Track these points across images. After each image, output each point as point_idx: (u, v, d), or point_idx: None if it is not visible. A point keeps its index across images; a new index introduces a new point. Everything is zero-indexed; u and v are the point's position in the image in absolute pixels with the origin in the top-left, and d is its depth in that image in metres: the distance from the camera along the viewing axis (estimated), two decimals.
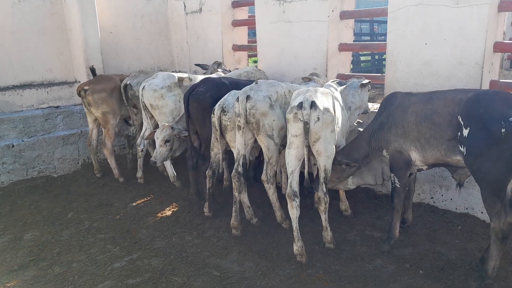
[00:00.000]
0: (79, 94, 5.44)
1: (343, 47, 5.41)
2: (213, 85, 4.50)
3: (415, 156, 3.47)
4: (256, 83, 3.97)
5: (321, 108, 3.27)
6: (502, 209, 2.97)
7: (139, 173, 5.52)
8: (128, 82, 5.30)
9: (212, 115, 4.01)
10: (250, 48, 6.86)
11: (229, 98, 4.01)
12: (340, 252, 3.76)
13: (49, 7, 6.22)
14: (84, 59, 6.22)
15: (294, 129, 3.34)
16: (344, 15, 5.28)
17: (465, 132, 3.02)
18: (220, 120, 3.97)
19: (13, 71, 6.01)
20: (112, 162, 5.70)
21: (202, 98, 4.38)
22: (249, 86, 3.95)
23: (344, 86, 4.43)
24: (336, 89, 4.19)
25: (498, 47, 4.08)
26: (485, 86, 4.10)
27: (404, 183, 3.56)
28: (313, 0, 5.27)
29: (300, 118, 3.27)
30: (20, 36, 6.00)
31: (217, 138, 4.06)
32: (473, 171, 3.07)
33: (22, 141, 5.67)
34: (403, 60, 4.55)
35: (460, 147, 3.09)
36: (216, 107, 3.99)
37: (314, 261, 3.63)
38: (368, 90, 4.46)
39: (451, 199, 4.44)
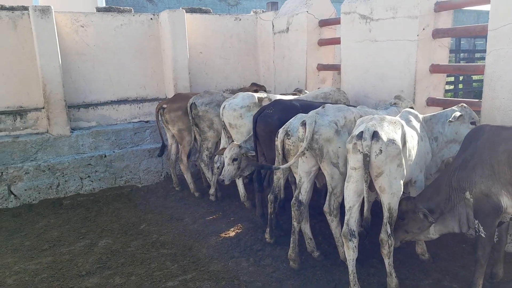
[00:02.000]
0: (158, 112, 5.74)
1: (435, 69, 4.84)
2: (282, 108, 4.36)
3: (506, 202, 2.89)
4: (323, 107, 3.73)
5: (385, 139, 2.91)
6: None
7: (212, 190, 5.59)
8: (193, 101, 5.42)
9: (275, 138, 3.87)
10: (335, 68, 6.57)
11: (294, 121, 3.83)
12: None
13: (146, 29, 6.74)
14: (173, 78, 6.58)
15: (353, 161, 3.02)
16: (437, 34, 4.73)
17: None
18: (283, 144, 3.81)
19: (112, 88, 6.62)
20: (188, 177, 5.88)
21: (270, 120, 4.27)
22: (315, 110, 3.73)
23: (432, 114, 3.95)
24: (417, 117, 3.74)
25: None
26: None
27: (491, 233, 2.98)
28: (402, 18, 4.83)
29: (359, 150, 2.95)
30: (120, 56, 6.60)
31: (279, 162, 3.89)
32: None
33: (113, 152, 6.17)
34: (506, 85, 3.88)
35: None
36: (280, 130, 3.83)
37: None
38: (473, 123, 3.83)
39: None
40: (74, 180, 5.90)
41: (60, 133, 5.93)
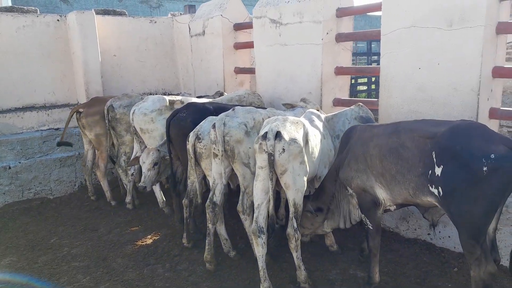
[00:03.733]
0: (73, 116, 5.47)
1: (339, 71, 5.17)
2: (196, 110, 4.37)
3: (381, 194, 3.17)
4: (233, 109, 3.81)
5: (287, 138, 3.06)
6: (482, 255, 2.64)
7: (128, 198, 5.43)
8: (111, 104, 5.25)
9: (187, 142, 3.87)
10: (251, 71, 6.73)
11: (204, 124, 3.87)
12: None
13: (53, 31, 6.38)
14: (84, 82, 6.30)
15: (259, 161, 3.14)
16: (340, 38, 5.07)
17: (438, 170, 2.71)
18: (194, 148, 3.82)
19: (17, 94, 6.18)
20: (104, 185, 5.66)
21: (183, 123, 4.26)
22: (225, 112, 3.79)
23: (333, 113, 4.22)
24: (319, 116, 3.97)
25: (498, 72, 3.73)
26: (483, 114, 3.76)
27: (377, 224, 3.27)
28: (308, 23, 5.09)
29: (264, 149, 3.06)
30: (24, 60, 6.17)
31: (192, 166, 3.90)
32: (450, 213, 2.75)
33: (19, 162, 5.74)
34: (397, 85, 4.27)
35: (430, 187, 2.78)
36: (191, 134, 3.85)
37: None
38: (369, 120, 4.14)
39: (449, 236, 4.05)
40: None
41: None
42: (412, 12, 3.98)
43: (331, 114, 4.21)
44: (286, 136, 3.07)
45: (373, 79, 15.53)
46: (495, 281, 2.75)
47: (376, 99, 4.81)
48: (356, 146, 3.25)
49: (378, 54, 16.82)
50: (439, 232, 4.13)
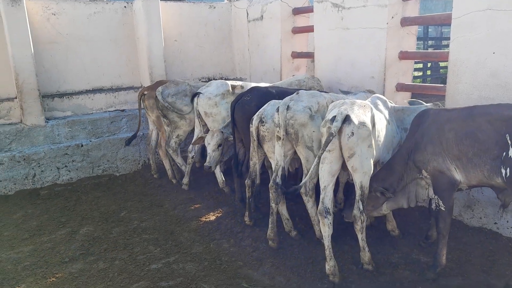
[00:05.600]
0: (140, 99, 5.77)
1: (403, 55, 5.07)
2: (260, 94, 4.49)
3: (457, 176, 3.17)
4: (297, 93, 3.88)
5: (356, 122, 3.09)
6: None
7: (185, 180, 5.64)
8: (160, 92, 5.39)
9: (250, 125, 4.00)
10: (309, 56, 6.73)
11: (268, 108, 3.97)
12: (379, 275, 3.52)
13: (120, 17, 6.69)
14: (148, 66, 6.58)
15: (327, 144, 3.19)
16: (405, 22, 4.95)
17: (511, 152, 2.75)
18: (258, 131, 3.95)
19: (87, 77, 6.57)
20: (166, 164, 5.95)
21: (247, 107, 4.39)
22: (289, 96, 3.88)
23: (403, 106, 4.18)
24: (385, 102, 3.94)
25: None
26: None
27: (450, 206, 3.25)
28: (372, 7, 5.02)
29: (332, 133, 3.12)
30: (93, 45, 6.53)
31: (255, 148, 4.04)
32: None
33: (90, 141, 6.16)
34: (467, 70, 4.14)
35: (502, 167, 2.82)
36: (255, 117, 3.97)
37: (349, 282, 3.45)
38: None
39: None
40: (51, 170, 5.87)
41: (35, 123, 5.86)
42: None
43: (400, 106, 4.17)
44: (355, 119, 3.10)
45: (429, 64, 14.96)
46: None
47: (442, 85, 4.70)
48: (431, 130, 3.25)
49: (434, 39, 16.18)
50: (507, 221, 4.02)
